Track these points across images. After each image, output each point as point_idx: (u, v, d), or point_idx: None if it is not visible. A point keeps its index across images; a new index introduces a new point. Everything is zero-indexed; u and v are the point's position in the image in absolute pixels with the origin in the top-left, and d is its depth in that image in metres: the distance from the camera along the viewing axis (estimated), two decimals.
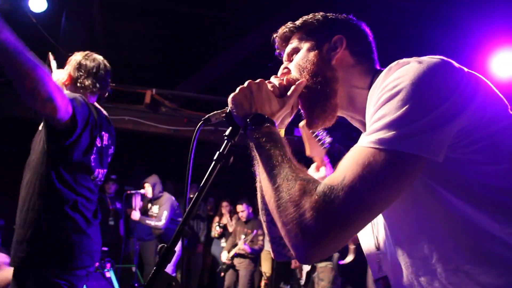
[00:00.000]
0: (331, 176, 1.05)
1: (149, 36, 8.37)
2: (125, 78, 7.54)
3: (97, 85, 2.87)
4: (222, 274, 7.82)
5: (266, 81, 1.41)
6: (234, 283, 7.60)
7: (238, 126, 1.36)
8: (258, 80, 1.38)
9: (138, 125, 7.24)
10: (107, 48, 7.64)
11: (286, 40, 1.51)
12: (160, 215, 7.02)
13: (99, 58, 2.96)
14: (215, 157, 1.32)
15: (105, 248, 7.65)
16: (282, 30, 1.51)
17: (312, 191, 1.03)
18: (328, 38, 1.40)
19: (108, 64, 2.99)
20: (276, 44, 1.55)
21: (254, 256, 7.35)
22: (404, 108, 1.00)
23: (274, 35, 1.55)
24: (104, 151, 2.88)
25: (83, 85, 2.82)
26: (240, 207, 7.72)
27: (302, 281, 6.50)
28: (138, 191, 7.23)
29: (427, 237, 1.11)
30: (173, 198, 7.37)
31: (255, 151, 1.26)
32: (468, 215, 1.04)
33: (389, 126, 1.01)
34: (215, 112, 1.41)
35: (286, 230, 1.05)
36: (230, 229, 8.32)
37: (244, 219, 7.68)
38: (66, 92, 2.74)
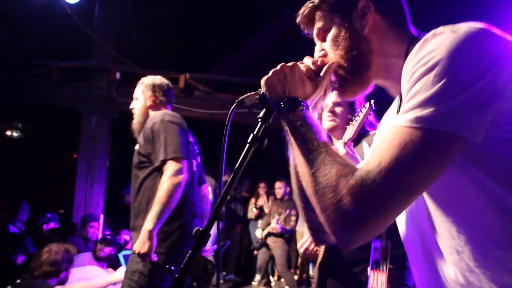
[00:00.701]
0: (368, 159, 1.02)
1: (181, 21, 8.39)
2: (158, 64, 7.61)
3: (170, 97, 3.56)
4: (255, 252, 7.91)
5: (299, 62, 1.39)
6: (267, 262, 7.66)
7: (271, 109, 1.35)
8: (291, 63, 1.34)
9: (173, 109, 7.31)
10: (140, 35, 7.71)
11: (310, 19, 1.42)
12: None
13: (160, 76, 3.63)
14: (249, 140, 1.32)
15: None
16: (303, 10, 1.42)
17: (349, 176, 0.99)
18: (353, 6, 1.30)
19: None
20: (301, 26, 1.48)
21: (288, 236, 7.35)
22: (440, 84, 0.93)
23: (297, 18, 1.47)
24: (192, 146, 3.44)
25: (163, 101, 3.47)
26: (278, 184, 7.77)
27: None
28: None
29: (458, 218, 1.06)
30: (211, 178, 7.44)
31: (290, 135, 1.22)
32: (501, 198, 0.98)
33: (425, 103, 0.94)
34: (249, 94, 1.40)
35: (325, 216, 1.03)
36: (267, 210, 8.35)
37: (279, 196, 7.71)
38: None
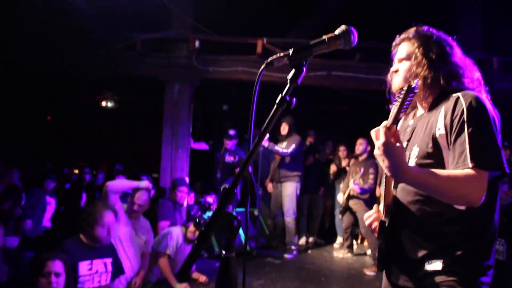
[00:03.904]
0: None
1: None
2: (236, 30, 7.70)
3: None
4: (340, 216, 7.84)
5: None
6: (352, 225, 7.59)
7: (301, 68, 1.38)
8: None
9: (251, 75, 7.41)
10: (217, 2, 7.79)
11: None
12: (289, 146, 7.49)
13: None
14: (277, 101, 1.36)
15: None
16: None
17: None
18: None
19: None
20: None
21: (368, 197, 7.15)
22: None
23: None
24: None
25: None
26: (360, 141, 7.45)
27: None
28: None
29: None
30: (300, 138, 7.65)
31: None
32: None
33: None
34: (278, 55, 1.44)
35: None
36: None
37: (358, 152, 7.44)
38: None
